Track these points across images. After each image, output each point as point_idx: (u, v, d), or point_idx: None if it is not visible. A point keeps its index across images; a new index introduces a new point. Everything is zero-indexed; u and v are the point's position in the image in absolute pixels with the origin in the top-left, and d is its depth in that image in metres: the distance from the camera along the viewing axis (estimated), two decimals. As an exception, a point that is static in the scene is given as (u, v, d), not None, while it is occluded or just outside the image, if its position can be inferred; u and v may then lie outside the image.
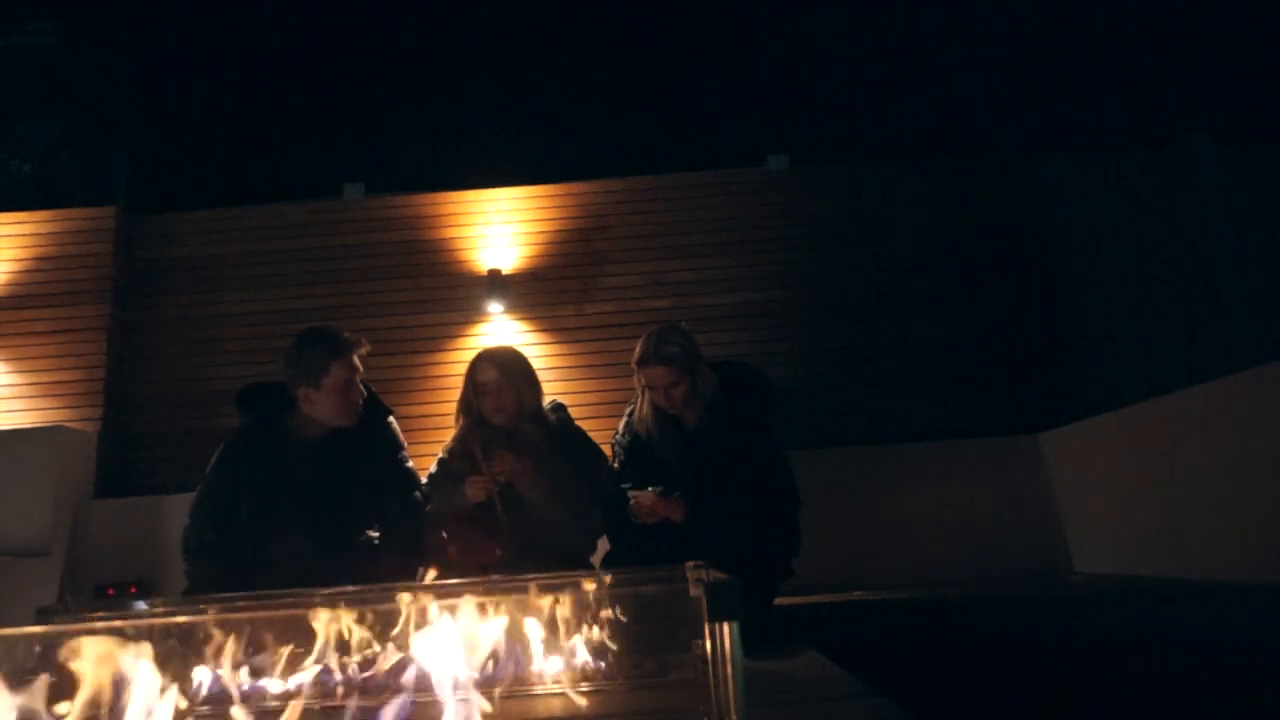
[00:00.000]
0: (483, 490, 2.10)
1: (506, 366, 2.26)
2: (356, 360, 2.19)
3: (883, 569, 3.16)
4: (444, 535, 2.16)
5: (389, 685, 1.17)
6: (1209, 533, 2.42)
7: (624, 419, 2.38)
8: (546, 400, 2.37)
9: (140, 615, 1.19)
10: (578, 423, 2.39)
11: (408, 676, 1.14)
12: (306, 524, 2.07)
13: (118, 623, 1.02)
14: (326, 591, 1.23)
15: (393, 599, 1.17)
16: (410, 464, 2.29)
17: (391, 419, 2.33)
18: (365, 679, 1.20)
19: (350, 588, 1.31)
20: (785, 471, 2.20)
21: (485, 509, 2.15)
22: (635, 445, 2.28)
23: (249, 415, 2.23)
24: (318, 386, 2.12)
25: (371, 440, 2.24)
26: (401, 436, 2.34)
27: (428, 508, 2.22)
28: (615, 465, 2.32)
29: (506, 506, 2.13)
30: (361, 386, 2.22)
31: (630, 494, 2.09)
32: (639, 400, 2.30)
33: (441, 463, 2.29)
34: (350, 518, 2.13)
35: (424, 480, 2.29)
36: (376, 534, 2.16)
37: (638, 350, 2.23)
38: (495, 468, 2.11)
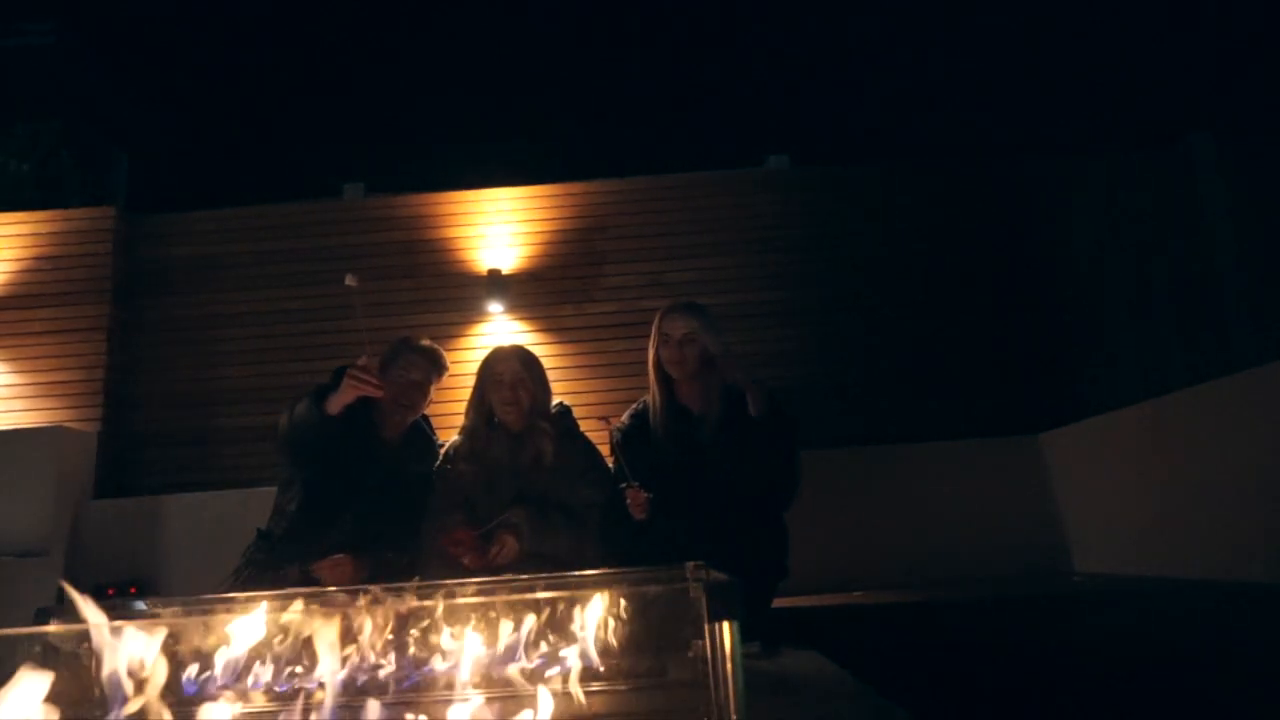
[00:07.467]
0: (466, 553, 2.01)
1: (526, 360, 2.25)
2: (433, 382, 2.28)
3: (883, 569, 3.16)
4: (444, 538, 2.15)
5: (388, 686, 1.17)
6: (1209, 533, 2.41)
7: (631, 410, 2.38)
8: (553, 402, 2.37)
9: (140, 615, 1.19)
10: (578, 424, 2.38)
11: (406, 677, 1.14)
12: (360, 519, 2.11)
13: (117, 623, 1.02)
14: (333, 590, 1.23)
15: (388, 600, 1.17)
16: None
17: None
18: (369, 679, 1.20)
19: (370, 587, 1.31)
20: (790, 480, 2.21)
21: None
22: (634, 431, 2.29)
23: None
24: (387, 373, 2.20)
25: (425, 461, 2.30)
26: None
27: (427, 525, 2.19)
28: (614, 451, 2.30)
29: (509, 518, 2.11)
30: (417, 403, 2.27)
31: (625, 489, 2.09)
32: (651, 391, 2.31)
33: (441, 475, 2.24)
34: (397, 522, 2.16)
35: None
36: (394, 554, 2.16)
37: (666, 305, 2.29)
38: (492, 553, 2.01)
